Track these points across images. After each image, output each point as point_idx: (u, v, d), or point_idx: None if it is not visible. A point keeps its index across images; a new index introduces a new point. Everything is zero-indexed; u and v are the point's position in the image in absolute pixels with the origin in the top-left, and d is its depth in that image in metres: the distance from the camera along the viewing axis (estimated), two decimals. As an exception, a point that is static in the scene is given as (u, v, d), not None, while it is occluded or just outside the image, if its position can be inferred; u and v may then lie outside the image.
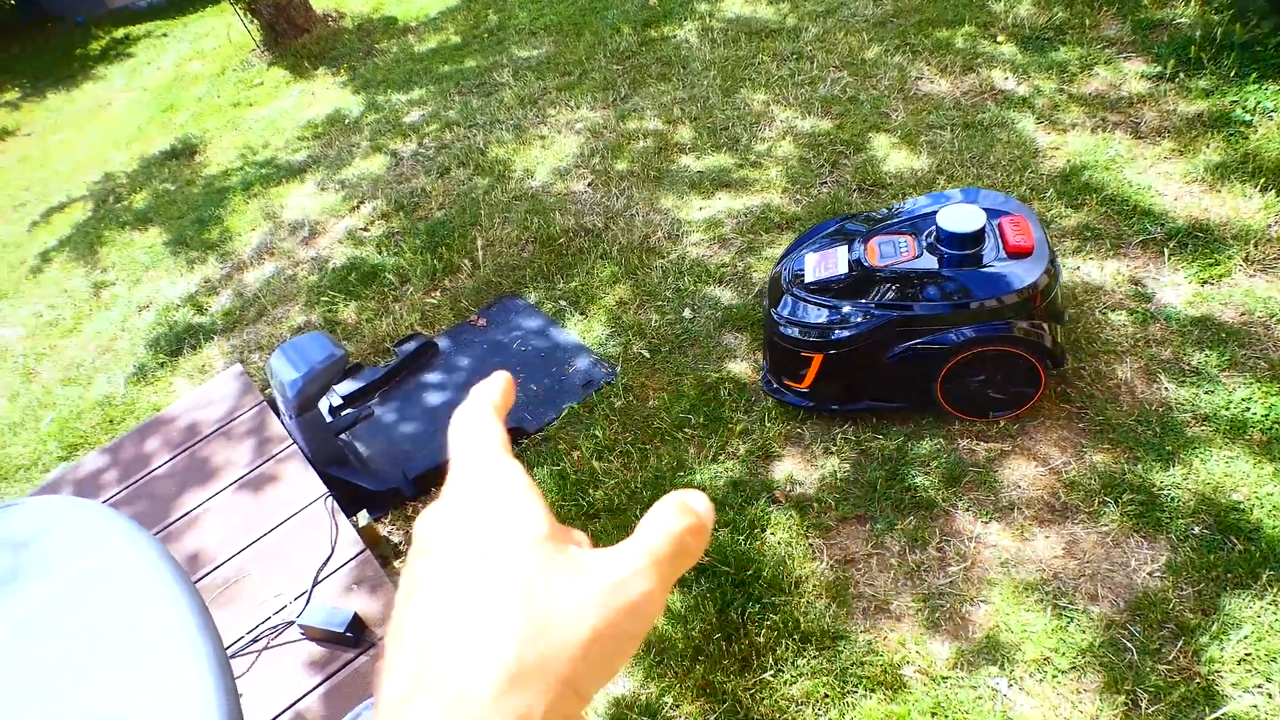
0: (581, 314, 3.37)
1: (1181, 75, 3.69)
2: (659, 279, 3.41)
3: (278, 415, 2.96)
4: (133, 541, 1.17)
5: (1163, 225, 3.09)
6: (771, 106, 4.21)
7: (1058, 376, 2.67)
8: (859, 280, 2.52)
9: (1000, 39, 4.26)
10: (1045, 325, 2.43)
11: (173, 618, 1.03)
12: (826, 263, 2.60)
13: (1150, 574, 2.18)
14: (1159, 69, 3.77)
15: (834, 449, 2.64)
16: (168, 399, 3.59)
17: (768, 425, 2.74)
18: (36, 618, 1.09)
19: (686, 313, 3.24)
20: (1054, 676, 2.03)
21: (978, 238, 2.40)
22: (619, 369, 3.08)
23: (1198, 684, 1.96)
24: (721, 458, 2.69)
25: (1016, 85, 3.94)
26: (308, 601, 2.26)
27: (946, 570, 2.29)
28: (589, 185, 4.07)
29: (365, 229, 4.25)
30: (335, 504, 2.54)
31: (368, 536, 2.55)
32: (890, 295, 2.47)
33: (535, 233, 3.81)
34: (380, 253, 3.99)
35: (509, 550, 0.32)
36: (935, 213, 2.51)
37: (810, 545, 2.41)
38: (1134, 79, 3.79)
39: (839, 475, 2.57)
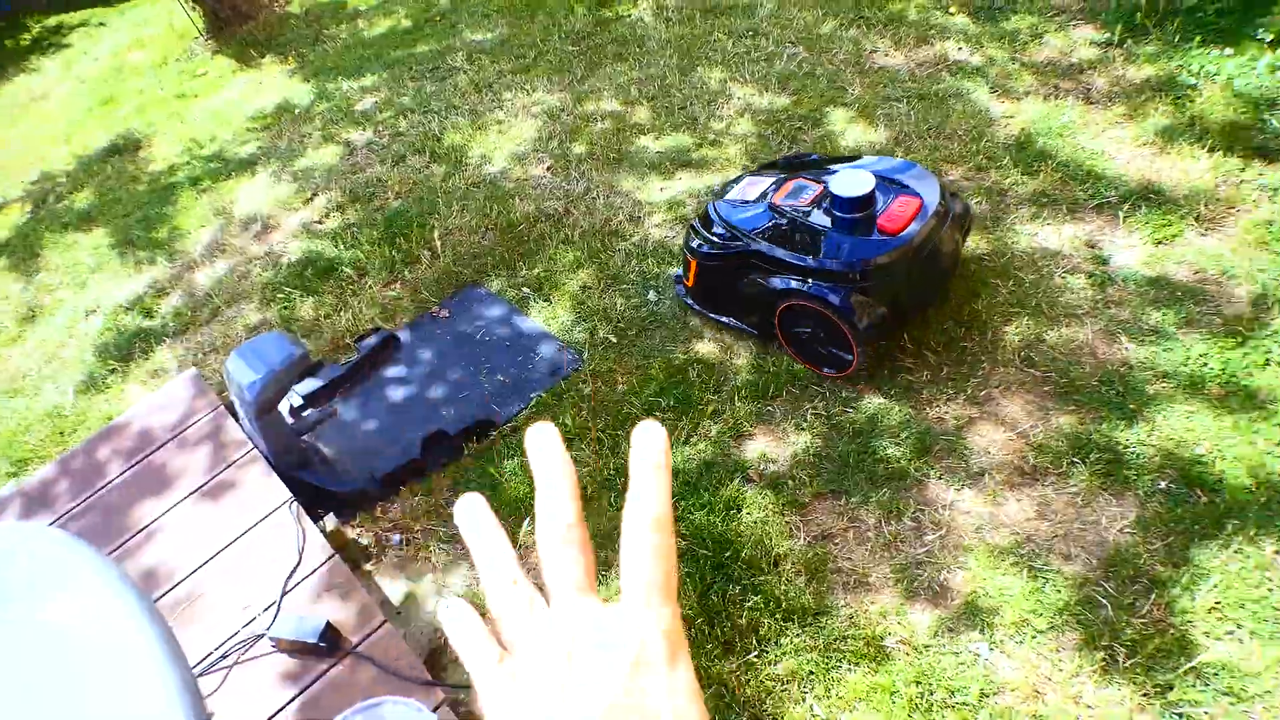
0: (545, 300, 3.32)
1: (1129, 42, 3.74)
2: (622, 262, 3.37)
3: (236, 419, 2.87)
4: (91, 567, 1.12)
5: (1116, 189, 3.13)
6: (729, 84, 4.18)
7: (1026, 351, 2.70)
8: (756, 210, 2.70)
9: (953, 10, 4.27)
10: (864, 303, 2.48)
11: (137, 644, 0.99)
12: (750, 188, 2.81)
13: (1120, 530, 2.22)
14: (1107, 35, 3.81)
15: (805, 425, 2.64)
16: (120, 407, 3.47)
17: (738, 405, 2.74)
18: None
19: (651, 295, 3.21)
20: (1033, 637, 2.06)
21: (863, 203, 2.47)
22: (586, 355, 3.05)
23: (1172, 635, 2.00)
24: (694, 440, 2.68)
25: (970, 55, 3.96)
26: (277, 612, 2.20)
27: (923, 540, 2.30)
28: (548, 170, 4.01)
29: (320, 221, 4.14)
30: (300, 509, 2.47)
31: (336, 541, 2.49)
32: (755, 229, 2.66)
33: (495, 220, 3.74)
34: (337, 245, 3.89)
35: None
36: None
37: (787, 523, 2.41)
38: (1083, 46, 3.83)
39: (811, 451, 2.57)
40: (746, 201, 2.75)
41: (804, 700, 2.05)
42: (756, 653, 2.13)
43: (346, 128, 4.81)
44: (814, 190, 2.65)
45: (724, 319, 2.95)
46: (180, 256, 4.27)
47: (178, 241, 4.39)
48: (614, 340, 3.08)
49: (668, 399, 2.81)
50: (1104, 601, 2.08)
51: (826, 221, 2.55)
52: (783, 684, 2.07)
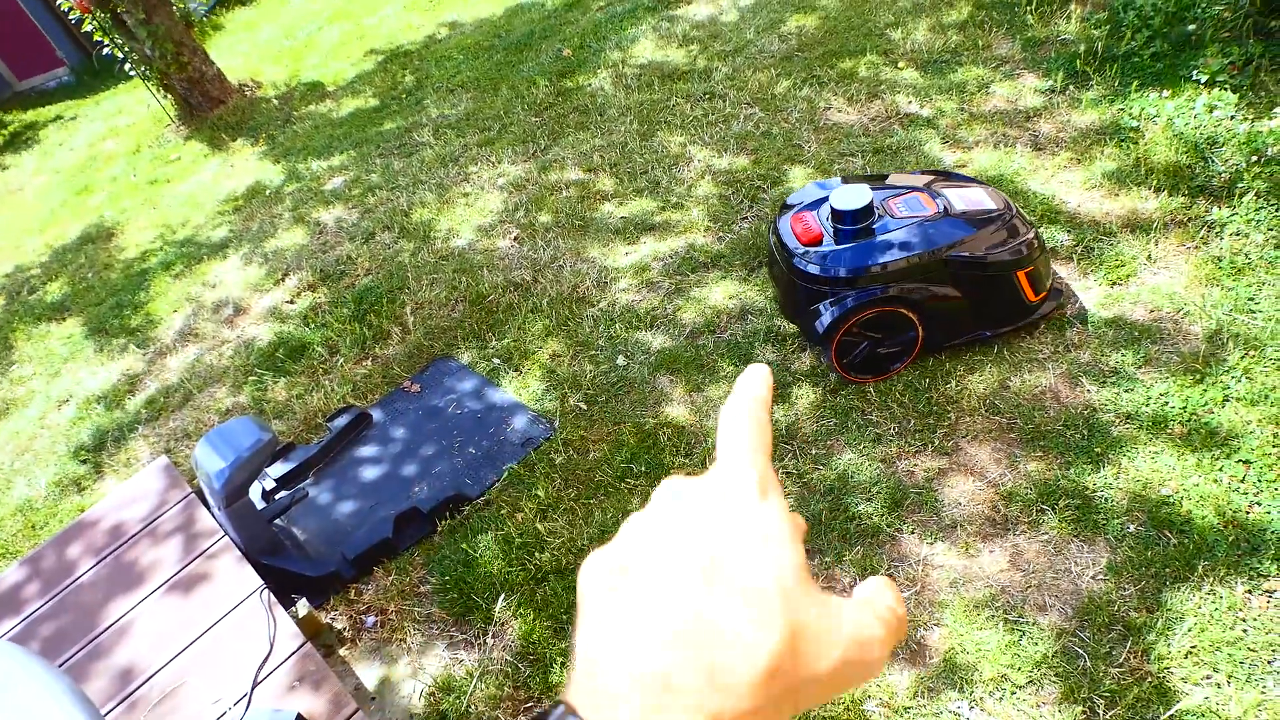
0: (516, 370, 3.34)
1: (1072, 88, 3.86)
2: (591, 328, 3.40)
3: (207, 506, 2.85)
4: (40, 682, 1.11)
5: (1069, 232, 3.20)
6: (689, 147, 4.27)
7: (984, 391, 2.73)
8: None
9: (901, 65, 4.41)
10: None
11: None
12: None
13: (1093, 577, 2.22)
14: (1050, 83, 3.93)
15: (777, 484, 2.64)
16: (93, 498, 3.44)
17: (709, 467, 2.73)
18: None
19: (620, 360, 3.23)
20: (1012, 693, 2.04)
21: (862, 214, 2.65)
22: (557, 423, 3.05)
23: (1150, 683, 1.99)
24: (667, 504, 2.67)
25: (920, 108, 4.07)
26: (248, 706, 2.16)
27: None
28: (515, 240, 4.06)
29: (291, 302, 4.16)
30: (272, 596, 2.44)
31: (308, 627, 2.46)
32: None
33: (464, 292, 3.78)
34: (308, 325, 3.91)
35: (769, 567, 0.33)
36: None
37: (762, 585, 2.39)
38: (1029, 94, 3.95)
39: (784, 510, 2.56)
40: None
41: (786, 771, 2.01)
42: (736, 724, 2.09)
43: (316, 207, 4.88)
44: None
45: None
46: (152, 343, 4.28)
47: (150, 328, 4.41)
48: (585, 407, 3.09)
49: (639, 464, 2.81)
50: (1081, 652, 2.07)
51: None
52: (763, 755, 2.03)
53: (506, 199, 4.33)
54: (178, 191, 5.92)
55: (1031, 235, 2.75)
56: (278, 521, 2.88)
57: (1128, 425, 2.54)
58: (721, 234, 3.65)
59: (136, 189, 6.29)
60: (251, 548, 2.69)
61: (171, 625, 2.47)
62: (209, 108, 6.82)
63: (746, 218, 3.71)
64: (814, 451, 2.70)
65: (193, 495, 2.92)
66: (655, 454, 2.83)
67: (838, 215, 2.65)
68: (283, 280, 4.33)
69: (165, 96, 6.89)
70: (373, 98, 6.13)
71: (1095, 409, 2.61)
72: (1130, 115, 3.59)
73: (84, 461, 3.68)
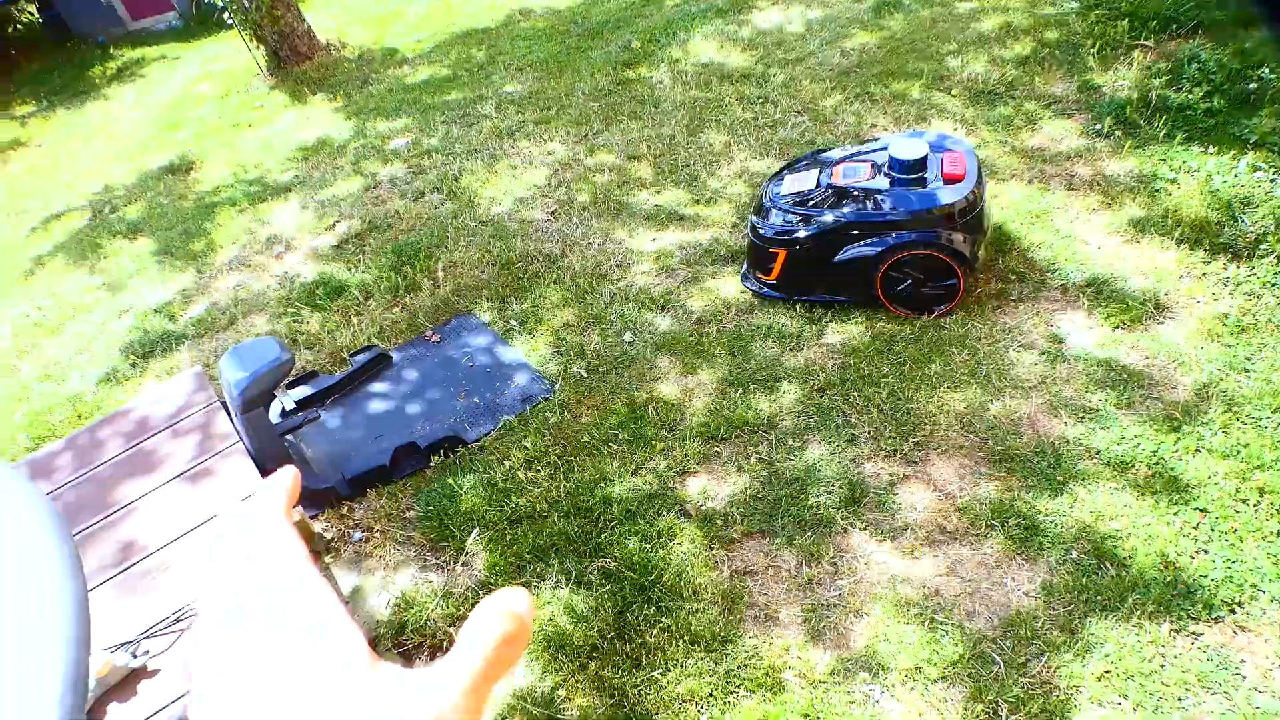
0: (529, 334, 3.53)
1: (1118, 134, 3.88)
2: (606, 304, 3.57)
3: (229, 415, 3.10)
4: (25, 495, 1.31)
5: (1083, 272, 3.25)
6: (731, 147, 4.41)
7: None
8: (823, 194, 3.19)
9: (955, 92, 4.47)
10: (963, 235, 3.04)
11: (48, 563, 1.17)
12: (800, 181, 3.27)
13: (1025, 594, 2.30)
14: (1098, 126, 3.96)
15: (747, 467, 2.77)
16: (134, 398, 3.74)
17: (688, 444, 2.88)
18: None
19: (627, 336, 3.39)
20: (924, 685, 2.14)
21: (920, 165, 3.03)
22: (558, 386, 3.23)
23: (1057, 697, 2.07)
24: (641, 472, 2.83)
25: (964, 135, 4.13)
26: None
27: (836, 584, 2.40)
28: (551, 214, 4.26)
29: (337, 247, 4.43)
30: (268, 497, 2.67)
31: (301, 531, 2.67)
32: (844, 206, 3.13)
33: (495, 256, 3.98)
34: (349, 270, 4.17)
35: (332, 678, 0.29)
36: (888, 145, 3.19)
37: (713, 556, 2.53)
38: (1074, 135, 3.98)
39: (748, 492, 2.69)
40: (807, 191, 3.20)
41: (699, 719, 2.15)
42: (661, 670, 2.24)
43: (376, 163, 5.16)
44: (865, 168, 3.17)
45: (819, 298, 3.33)
46: (209, 269, 4.60)
47: (210, 255, 4.73)
48: (585, 375, 3.26)
49: (625, 432, 2.97)
50: (997, 659, 2.16)
51: (885, 184, 3.09)
52: (681, 702, 2.17)
53: (550, 175, 4.53)
54: (256, 136, 6.29)
55: None
56: (289, 438, 3.11)
57: (1093, 461, 2.60)
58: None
59: (219, 130, 6.69)
60: (261, 455, 2.92)
61: (176, 512, 2.72)
62: (295, 62, 7.19)
63: (770, 219, 3.84)
64: (789, 443, 2.82)
65: (217, 402, 3.18)
66: (641, 425, 2.98)
67: (897, 164, 3.04)
68: (333, 227, 4.61)
69: (257, 47, 7.29)
70: (445, 68, 6.41)
71: (1068, 441, 2.67)
72: (1171, 167, 3.60)
73: (132, 366, 4.00)
